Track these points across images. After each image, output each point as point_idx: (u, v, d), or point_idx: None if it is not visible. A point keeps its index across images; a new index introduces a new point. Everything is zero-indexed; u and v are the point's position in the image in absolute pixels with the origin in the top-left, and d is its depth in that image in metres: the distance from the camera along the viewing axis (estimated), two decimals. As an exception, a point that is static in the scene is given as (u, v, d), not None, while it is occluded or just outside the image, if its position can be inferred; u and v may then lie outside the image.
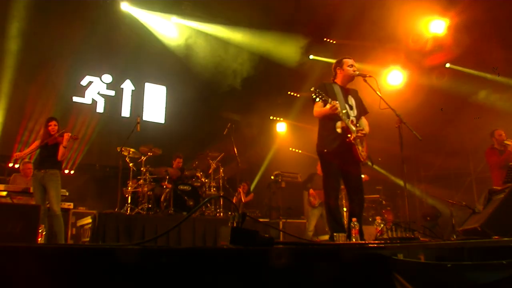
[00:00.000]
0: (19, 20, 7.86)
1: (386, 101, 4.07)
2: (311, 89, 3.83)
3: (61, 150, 5.37)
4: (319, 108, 3.97)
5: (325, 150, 3.97)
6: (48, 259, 1.35)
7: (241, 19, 9.51)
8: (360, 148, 3.98)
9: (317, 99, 3.82)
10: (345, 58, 4.20)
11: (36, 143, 5.50)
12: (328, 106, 3.78)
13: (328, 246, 2.57)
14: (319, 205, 7.27)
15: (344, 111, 3.95)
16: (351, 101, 4.16)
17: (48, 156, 5.35)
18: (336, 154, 3.93)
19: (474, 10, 7.49)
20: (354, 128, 3.94)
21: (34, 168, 5.45)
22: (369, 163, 4.09)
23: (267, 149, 10.73)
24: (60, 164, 5.48)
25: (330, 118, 3.97)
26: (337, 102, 3.86)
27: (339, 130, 3.96)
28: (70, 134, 5.39)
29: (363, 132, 4.02)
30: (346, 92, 4.18)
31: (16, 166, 7.94)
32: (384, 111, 4.11)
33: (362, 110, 4.25)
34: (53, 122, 5.49)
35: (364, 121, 4.24)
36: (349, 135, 3.90)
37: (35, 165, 5.40)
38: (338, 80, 4.20)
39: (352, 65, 4.15)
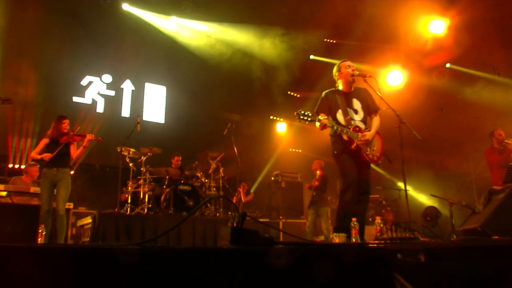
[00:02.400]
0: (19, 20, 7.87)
1: (386, 101, 4.08)
2: (295, 113, 3.83)
3: (80, 150, 5.40)
4: (317, 124, 3.97)
5: (335, 152, 4.05)
6: (48, 259, 1.35)
7: (243, 18, 9.51)
8: (368, 150, 3.99)
9: (306, 122, 3.81)
10: (342, 62, 4.21)
11: (45, 140, 5.34)
12: (317, 124, 3.81)
13: (328, 246, 2.57)
14: (311, 205, 7.33)
15: (347, 118, 3.97)
16: (356, 104, 4.13)
17: (59, 155, 5.24)
18: (347, 154, 3.98)
19: (474, 10, 7.48)
20: (356, 135, 3.94)
21: (44, 166, 5.26)
22: (377, 166, 4.11)
23: (269, 150, 10.71)
24: (70, 163, 5.43)
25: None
26: (327, 117, 3.87)
27: (345, 137, 3.98)
28: (93, 136, 5.39)
29: (364, 138, 3.94)
30: (350, 96, 4.14)
31: (16, 166, 7.93)
32: (384, 111, 4.11)
33: (371, 109, 4.20)
34: (67, 121, 5.45)
35: (374, 121, 4.18)
36: (352, 143, 3.94)
37: (46, 163, 5.20)
38: (341, 85, 4.20)
39: (349, 66, 4.15)
